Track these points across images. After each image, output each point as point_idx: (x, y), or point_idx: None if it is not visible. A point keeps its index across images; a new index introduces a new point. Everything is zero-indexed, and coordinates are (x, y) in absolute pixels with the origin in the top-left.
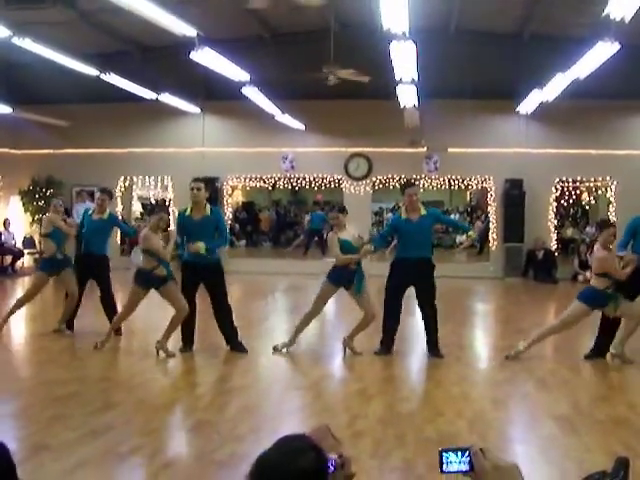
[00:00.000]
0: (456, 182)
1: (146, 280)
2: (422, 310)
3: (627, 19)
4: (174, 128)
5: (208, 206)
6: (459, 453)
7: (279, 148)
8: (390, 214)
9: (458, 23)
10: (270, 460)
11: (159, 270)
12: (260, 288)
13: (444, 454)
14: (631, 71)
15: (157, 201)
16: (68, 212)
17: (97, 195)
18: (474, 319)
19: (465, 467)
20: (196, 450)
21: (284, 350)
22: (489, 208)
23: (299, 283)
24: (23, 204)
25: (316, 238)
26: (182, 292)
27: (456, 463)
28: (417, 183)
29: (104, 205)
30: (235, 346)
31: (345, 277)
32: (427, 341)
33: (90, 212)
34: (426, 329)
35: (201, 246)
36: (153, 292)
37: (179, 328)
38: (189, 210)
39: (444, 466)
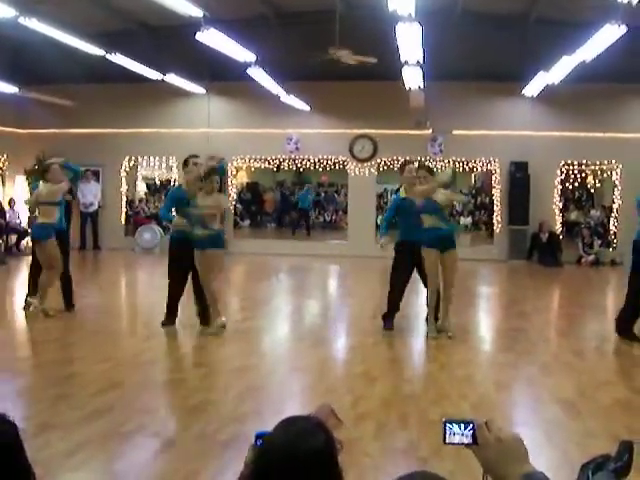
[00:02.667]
0: (461, 164)
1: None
2: None
3: (634, 1)
4: (179, 109)
5: None
6: (462, 425)
7: (284, 129)
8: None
9: (464, 5)
10: (278, 441)
11: None
12: (264, 269)
13: (447, 425)
14: (638, 54)
15: (162, 182)
16: (72, 192)
17: None
18: (478, 302)
19: (468, 440)
20: (199, 430)
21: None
22: (494, 190)
23: (303, 264)
24: (28, 184)
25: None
26: (174, 265)
27: (459, 435)
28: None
29: None
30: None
31: None
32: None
33: None
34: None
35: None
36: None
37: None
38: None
39: (447, 437)
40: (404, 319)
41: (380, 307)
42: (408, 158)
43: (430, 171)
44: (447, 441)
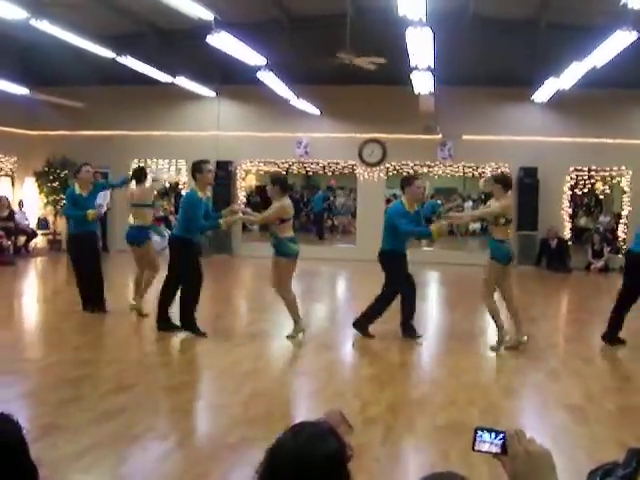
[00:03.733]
0: (470, 169)
1: None
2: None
3: None
4: (189, 111)
5: None
6: (494, 434)
7: (293, 133)
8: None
9: (475, 10)
10: (289, 447)
11: None
12: None
13: (479, 432)
14: None
15: (171, 184)
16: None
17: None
18: (486, 307)
19: (497, 449)
20: (208, 433)
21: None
22: None
23: (311, 268)
24: (38, 185)
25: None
26: (194, 269)
27: (488, 443)
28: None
29: None
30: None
31: None
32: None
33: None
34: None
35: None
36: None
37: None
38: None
39: (476, 444)
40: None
41: (390, 312)
42: (412, 172)
43: None
44: (476, 448)
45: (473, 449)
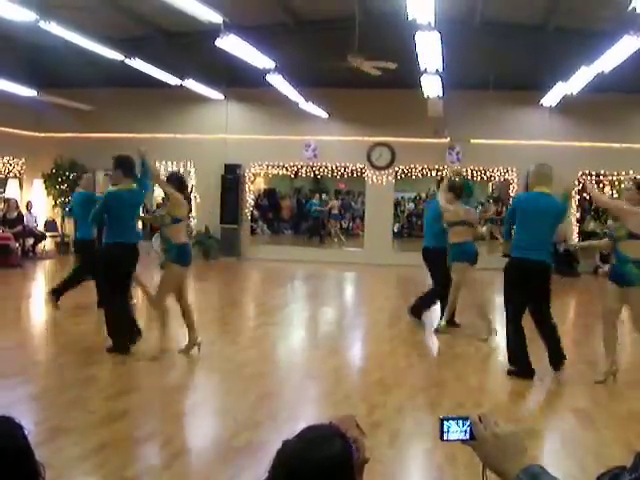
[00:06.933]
0: (478, 173)
1: None
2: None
3: None
4: (197, 114)
5: None
6: (460, 422)
7: (302, 136)
8: (411, 204)
9: (483, 14)
10: (295, 448)
11: None
12: (280, 275)
13: (445, 422)
14: None
15: None
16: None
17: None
18: (493, 311)
19: (465, 436)
20: (213, 436)
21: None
22: (511, 200)
23: (319, 271)
24: (46, 187)
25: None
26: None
27: (456, 432)
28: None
29: None
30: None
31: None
32: None
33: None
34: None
35: None
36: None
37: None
38: None
39: (444, 434)
40: (420, 328)
41: (398, 315)
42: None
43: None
44: (444, 438)
45: (442, 439)
